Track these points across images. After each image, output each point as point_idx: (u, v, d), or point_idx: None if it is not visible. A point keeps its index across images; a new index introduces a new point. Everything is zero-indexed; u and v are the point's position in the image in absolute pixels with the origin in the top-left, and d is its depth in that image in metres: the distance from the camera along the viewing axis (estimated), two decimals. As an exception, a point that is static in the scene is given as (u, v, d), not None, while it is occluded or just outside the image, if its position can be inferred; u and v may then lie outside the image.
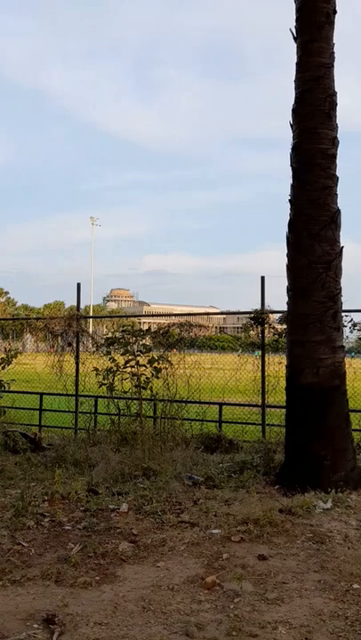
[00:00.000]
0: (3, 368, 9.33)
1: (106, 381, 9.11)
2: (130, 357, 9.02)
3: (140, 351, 9.17)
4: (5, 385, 9.29)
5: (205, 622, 3.38)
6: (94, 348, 10.47)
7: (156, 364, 9.00)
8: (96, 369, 9.32)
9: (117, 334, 9.97)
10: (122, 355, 9.13)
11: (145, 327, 10.77)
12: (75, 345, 10.47)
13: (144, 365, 8.99)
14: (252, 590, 3.79)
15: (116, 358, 9.20)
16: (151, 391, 9.03)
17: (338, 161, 6.45)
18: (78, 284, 10.78)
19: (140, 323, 12.18)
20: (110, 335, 10.39)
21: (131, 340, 9.32)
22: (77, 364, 10.27)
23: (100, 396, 9.85)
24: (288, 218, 6.50)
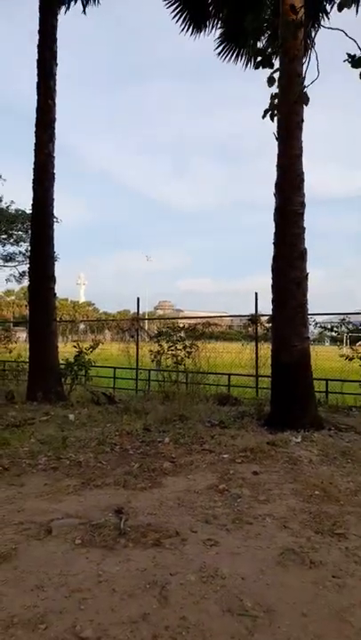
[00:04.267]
0: (91, 352, 9.42)
1: (156, 359, 9.16)
2: (171, 344, 9.06)
3: (177, 340, 9.20)
4: (92, 362, 9.38)
5: (218, 514, 3.36)
6: (148, 339, 10.54)
7: (187, 349, 9.02)
8: (151, 351, 9.38)
9: (163, 330, 10.02)
10: (166, 343, 9.19)
11: (181, 326, 10.78)
12: (136, 337, 10.55)
13: (180, 349, 9.01)
14: (249, 494, 3.76)
15: (162, 345, 9.25)
16: (184, 366, 9.04)
17: (305, 217, 6.35)
18: (138, 298, 10.83)
19: (177, 323, 12.17)
20: (158, 331, 10.45)
21: (171, 334, 9.38)
22: (137, 348, 10.37)
23: (152, 369, 9.89)
24: (272, 254, 6.43)
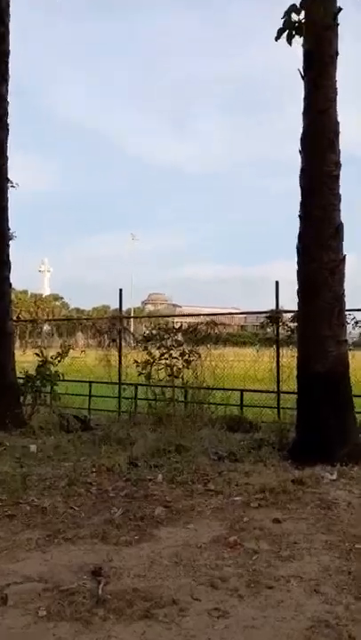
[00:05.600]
0: (59, 361, 9.43)
1: (144, 371, 9.17)
2: (164, 351, 9.07)
3: (173, 346, 9.21)
4: (61, 375, 9.39)
5: (228, 575, 3.37)
6: (135, 344, 10.55)
7: (186, 357, 9.03)
8: (136, 361, 9.38)
9: (154, 332, 10.03)
10: (157, 349, 9.19)
11: (177, 326, 10.79)
12: (118, 341, 10.56)
13: (176, 358, 9.02)
14: (268, 549, 3.77)
15: (152, 352, 9.26)
16: (182, 380, 9.05)
17: (341, 182, 6.37)
18: (120, 290, 10.78)
19: (173, 322, 12.25)
20: (148, 333, 10.44)
21: (165, 337, 9.39)
22: (120, 356, 10.38)
23: (140, 384, 9.90)
24: (297, 231, 6.44)
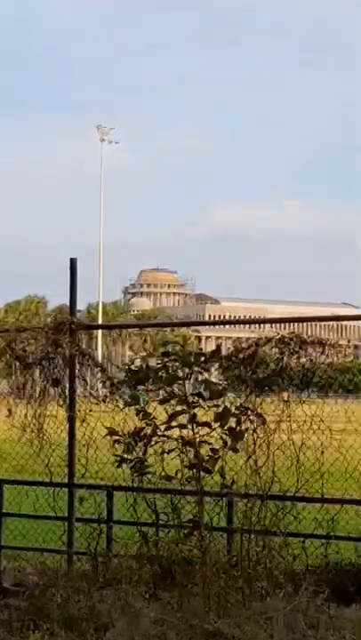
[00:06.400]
0: None
1: (130, 456, 9.16)
2: (178, 408, 9.04)
3: (199, 395, 9.18)
4: None
5: None
6: (107, 390, 10.55)
7: (232, 423, 8.99)
8: (112, 432, 9.37)
9: (154, 362, 10.00)
10: (162, 403, 9.18)
11: (210, 347, 10.80)
12: (69, 385, 10.57)
13: (207, 424, 8.99)
14: None
15: (150, 411, 9.25)
16: (222, 477, 9.03)
17: None
18: (72, 261, 10.87)
19: (197, 337, 12.36)
20: (139, 363, 10.43)
21: (181, 373, 9.34)
22: (73, 420, 10.39)
23: (119, 488, 9.90)
24: None
